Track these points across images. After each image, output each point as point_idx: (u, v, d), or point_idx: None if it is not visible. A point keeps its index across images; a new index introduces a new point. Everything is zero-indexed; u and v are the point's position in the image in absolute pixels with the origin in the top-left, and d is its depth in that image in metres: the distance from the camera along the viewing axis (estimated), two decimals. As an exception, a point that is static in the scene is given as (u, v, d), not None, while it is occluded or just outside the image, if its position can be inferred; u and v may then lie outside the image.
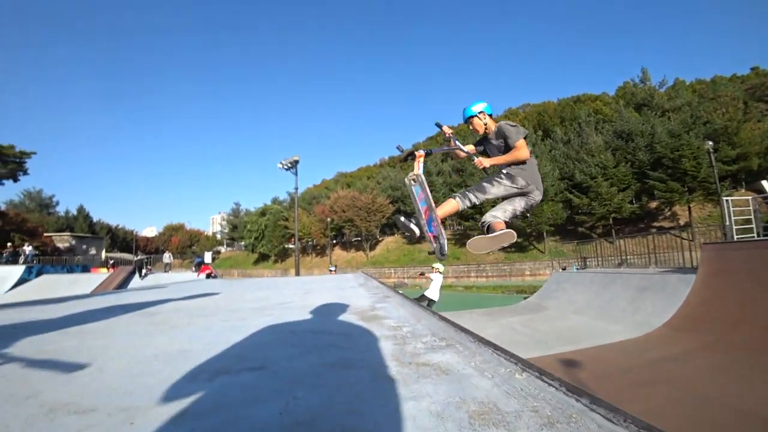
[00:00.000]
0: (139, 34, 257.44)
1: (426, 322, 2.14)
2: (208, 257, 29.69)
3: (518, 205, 3.43)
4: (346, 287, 4.55)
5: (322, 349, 1.65)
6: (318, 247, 60.30)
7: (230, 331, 1.94)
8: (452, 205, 3.35)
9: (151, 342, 1.70)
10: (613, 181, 36.82)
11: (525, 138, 3.37)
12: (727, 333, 7.94)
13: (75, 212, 68.86)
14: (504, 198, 3.43)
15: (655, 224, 37.52)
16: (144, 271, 25.79)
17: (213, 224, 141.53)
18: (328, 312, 2.64)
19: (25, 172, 43.15)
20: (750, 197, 14.32)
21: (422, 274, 15.35)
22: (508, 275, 38.41)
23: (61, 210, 69.51)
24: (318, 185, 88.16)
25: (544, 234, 39.75)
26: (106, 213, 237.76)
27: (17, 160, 41.90)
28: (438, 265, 11.87)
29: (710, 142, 25.01)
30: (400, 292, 4.95)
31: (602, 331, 10.07)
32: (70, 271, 27.38)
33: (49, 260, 34.94)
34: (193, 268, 27.19)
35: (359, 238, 57.86)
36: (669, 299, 10.12)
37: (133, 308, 3.01)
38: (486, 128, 3.51)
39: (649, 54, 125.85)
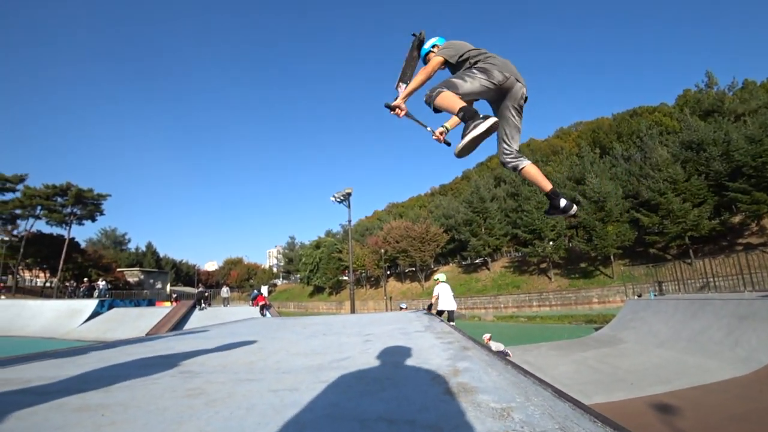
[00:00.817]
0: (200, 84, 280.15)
1: (540, 400, 1.48)
2: (264, 290, 30.37)
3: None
4: (410, 331, 4.02)
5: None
6: (372, 279, 60.02)
7: (276, 414, 1.45)
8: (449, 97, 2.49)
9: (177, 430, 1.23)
10: (686, 196, 33.77)
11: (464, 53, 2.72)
12: None
13: (144, 249, 74.20)
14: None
15: (741, 241, 33.71)
16: (203, 304, 26.85)
17: (269, 258, 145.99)
18: (400, 379, 2.06)
19: (102, 213, 47.09)
20: None
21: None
22: (573, 303, 35.85)
23: (132, 246, 75.04)
24: (370, 217, 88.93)
25: (612, 257, 36.93)
26: (171, 249, 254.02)
27: (95, 202, 45.75)
28: (440, 276, 11.04)
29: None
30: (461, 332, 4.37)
31: (696, 368, 8.72)
32: (138, 304, 28.70)
33: (120, 294, 37.32)
34: (250, 302, 27.67)
35: (413, 269, 57.00)
36: (780, 330, 8.62)
37: (173, 363, 2.62)
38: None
39: (707, 58, 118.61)
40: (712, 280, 16.06)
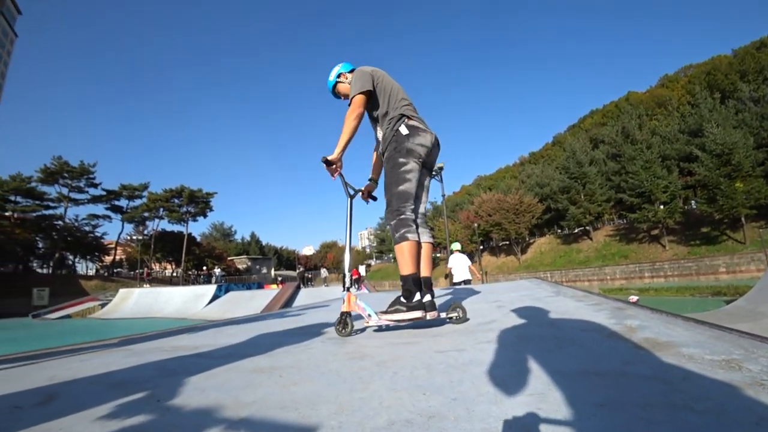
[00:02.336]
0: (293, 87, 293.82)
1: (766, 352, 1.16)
2: (362, 269, 31.41)
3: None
4: (541, 296, 3.67)
5: None
6: (465, 255, 59.18)
7: (462, 371, 1.38)
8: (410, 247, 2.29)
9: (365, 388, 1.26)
10: (843, 142, 28.20)
11: (372, 88, 2.48)
12: None
13: (249, 238, 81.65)
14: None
15: None
16: (308, 284, 28.55)
17: (361, 239, 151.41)
18: (568, 337, 1.84)
19: (211, 209, 52.54)
20: None
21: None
22: (694, 274, 31.97)
23: (238, 237, 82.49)
24: (458, 192, 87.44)
25: (743, 219, 32.18)
26: (272, 236, 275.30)
27: (205, 200, 51.03)
28: (454, 245, 10.12)
29: None
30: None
31: None
32: (249, 288, 31.11)
33: (232, 279, 41.66)
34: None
35: (507, 242, 55.07)
36: None
37: (315, 331, 2.64)
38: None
39: None
40: None
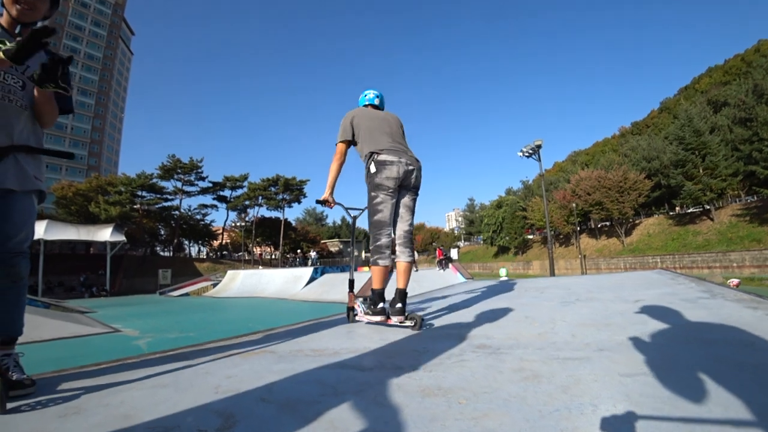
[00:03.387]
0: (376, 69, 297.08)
1: None
2: (454, 253, 30.90)
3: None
4: (691, 297, 3.16)
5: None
6: (561, 236, 55.61)
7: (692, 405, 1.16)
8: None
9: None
10: None
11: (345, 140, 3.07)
12: None
13: (339, 222, 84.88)
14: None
15: None
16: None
17: (449, 221, 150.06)
18: None
19: (305, 195, 55.40)
20: None
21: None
22: None
23: (330, 221, 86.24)
24: (550, 170, 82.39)
25: None
26: (362, 220, 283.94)
27: (298, 187, 53.85)
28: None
29: None
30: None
31: None
32: (343, 270, 32.06)
33: (326, 262, 43.66)
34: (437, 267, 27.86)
35: (607, 223, 50.69)
36: None
37: (459, 335, 2.39)
38: None
39: None
40: None
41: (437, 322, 2.92)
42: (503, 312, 3.20)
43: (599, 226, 53.04)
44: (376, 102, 3.33)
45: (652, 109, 75.95)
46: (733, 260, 32.83)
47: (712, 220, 39.03)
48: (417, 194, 3.07)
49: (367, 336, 2.61)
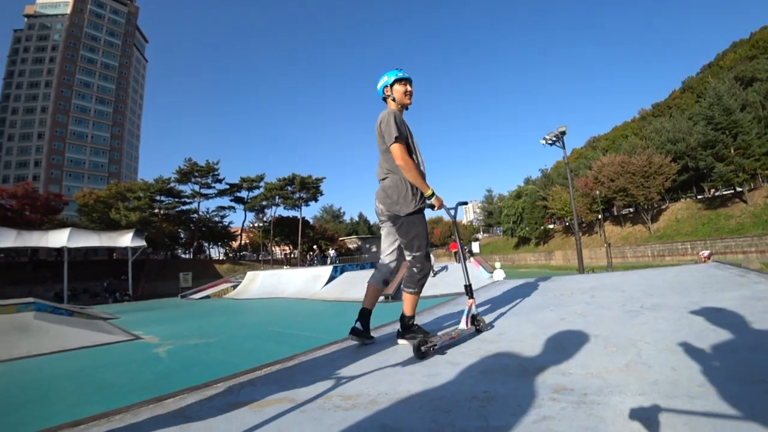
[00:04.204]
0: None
1: None
2: (476, 247, 30.22)
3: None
4: None
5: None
6: (584, 225, 54.17)
7: None
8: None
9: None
10: None
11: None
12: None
13: (357, 218, 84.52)
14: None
15: None
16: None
17: (467, 213, 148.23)
18: None
19: (321, 193, 55.22)
20: None
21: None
22: None
23: (347, 218, 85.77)
24: (569, 157, 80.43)
25: None
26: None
27: (315, 185, 53.71)
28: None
29: None
30: None
31: None
32: (363, 267, 31.62)
33: (345, 260, 43.34)
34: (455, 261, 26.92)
35: (632, 209, 49.14)
36: None
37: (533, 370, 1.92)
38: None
39: None
40: None
41: (482, 345, 2.43)
42: (561, 327, 2.68)
43: (624, 213, 51.48)
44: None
45: (674, 89, 73.11)
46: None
47: (745, 202, 37.29)
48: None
49: (407, 371, 2.10)
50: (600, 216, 46.18)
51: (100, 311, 17.98)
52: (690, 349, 1.89)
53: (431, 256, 2.70)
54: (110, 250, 38.95)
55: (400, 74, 2.78)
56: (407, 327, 2.78)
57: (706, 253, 9.27)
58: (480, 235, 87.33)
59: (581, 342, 2.27)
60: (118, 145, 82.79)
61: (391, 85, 2.78)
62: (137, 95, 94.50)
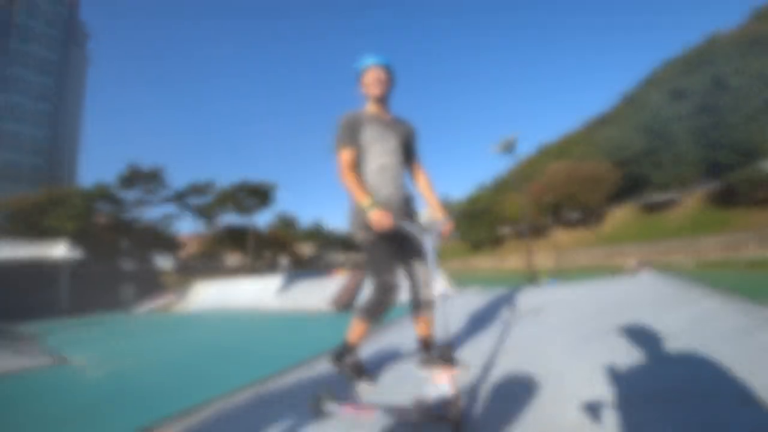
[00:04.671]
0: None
1: None
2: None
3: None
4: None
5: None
6: (535, 229, 55.86)
7: None
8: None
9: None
10: None
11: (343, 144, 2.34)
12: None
13: (313, 225, 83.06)
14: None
15: None
16: None
17: (421, 217, 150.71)
18: None
19: (274, 200, 54.51)
20: None
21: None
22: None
23: (303, 225, 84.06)
24: (522, 163, 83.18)
25: None
26: (338, 221, 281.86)
27: (267, 191, 52.57)
28: None
29: None
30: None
31: None
32: (317, 275, 30.90)
33: (299, 267, 42.38)
34: None
35: (581, 214, 51.26)
36: None
37: None
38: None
39: None
40: None
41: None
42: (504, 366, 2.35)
43: (573, 217, 53.58)
44: None
45: (617, 100, 76.95)
46: (702, 245, 33.44)
47: (681, 206, 39.80)
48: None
49: None
50: (552, 221, 47.83)
51: (22, 330, 16.38)
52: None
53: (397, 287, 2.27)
54: (41, 261, 36.10)
55: (369, 62, 2.42)
56: (339, 355, 2.44)
57: (635, 263, 9.56)
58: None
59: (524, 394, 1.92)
60: (56, 146, 77.33)
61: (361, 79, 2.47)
62: (77, 93, 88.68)
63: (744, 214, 34.44)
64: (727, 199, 36.65)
